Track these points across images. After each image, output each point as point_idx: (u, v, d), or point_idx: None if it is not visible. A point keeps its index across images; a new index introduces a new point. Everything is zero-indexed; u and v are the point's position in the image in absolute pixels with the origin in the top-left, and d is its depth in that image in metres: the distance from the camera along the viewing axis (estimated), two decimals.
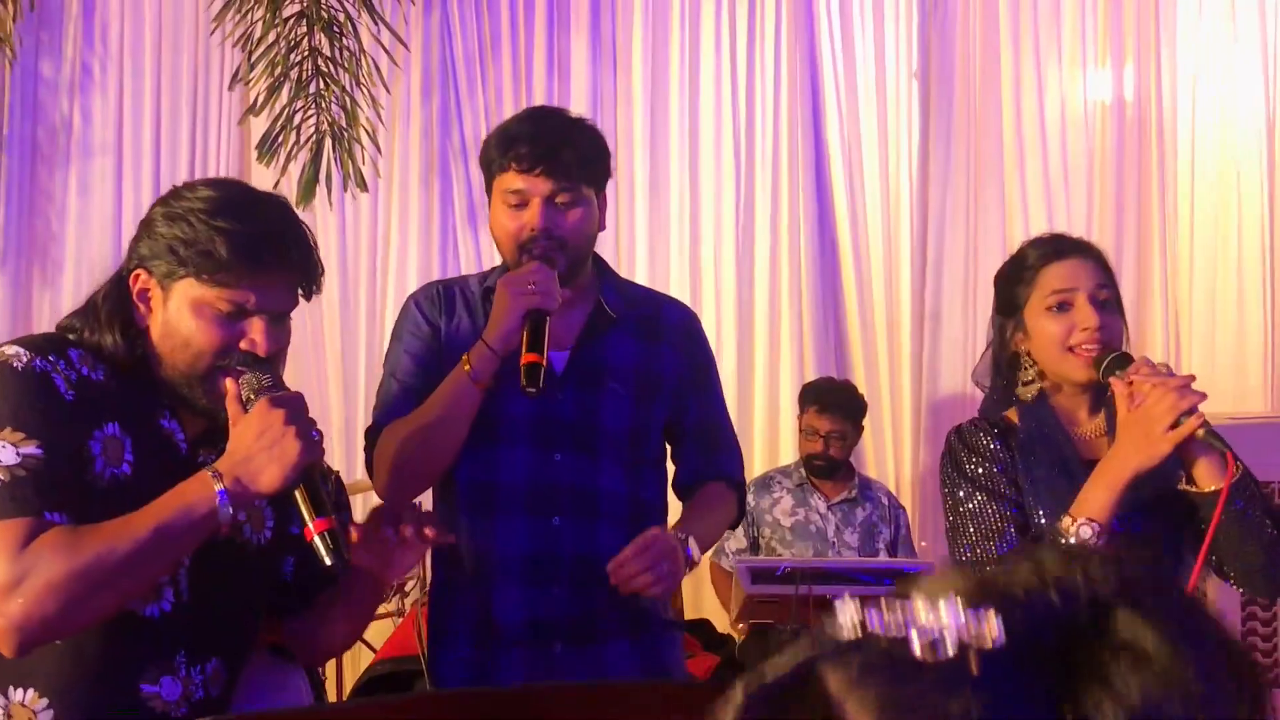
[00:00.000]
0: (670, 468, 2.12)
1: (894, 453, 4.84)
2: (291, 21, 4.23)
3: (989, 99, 4.88)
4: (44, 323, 4.40)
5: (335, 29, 4.26)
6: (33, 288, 4.71)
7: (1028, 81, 4.88)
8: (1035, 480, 1.80)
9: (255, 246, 1.45)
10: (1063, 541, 1.66)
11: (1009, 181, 4.86)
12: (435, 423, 1.87)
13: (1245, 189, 4.80)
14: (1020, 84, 4.88)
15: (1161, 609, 0.53)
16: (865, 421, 4.18)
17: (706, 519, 2.02)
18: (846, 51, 4.91)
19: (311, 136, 4.25)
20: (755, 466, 4.56)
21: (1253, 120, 4.81)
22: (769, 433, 4.81)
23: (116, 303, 1.50)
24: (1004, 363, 1.91)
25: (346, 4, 4.30)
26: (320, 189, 4.23)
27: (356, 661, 4.09)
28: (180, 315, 1.47)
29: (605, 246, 4.71)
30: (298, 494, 1.41)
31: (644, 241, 4.86)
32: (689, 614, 4.19)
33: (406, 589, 3.92)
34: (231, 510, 1.39)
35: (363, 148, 4.31)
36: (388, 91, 4.57)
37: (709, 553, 4.20)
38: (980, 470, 1.83)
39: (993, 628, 0.50)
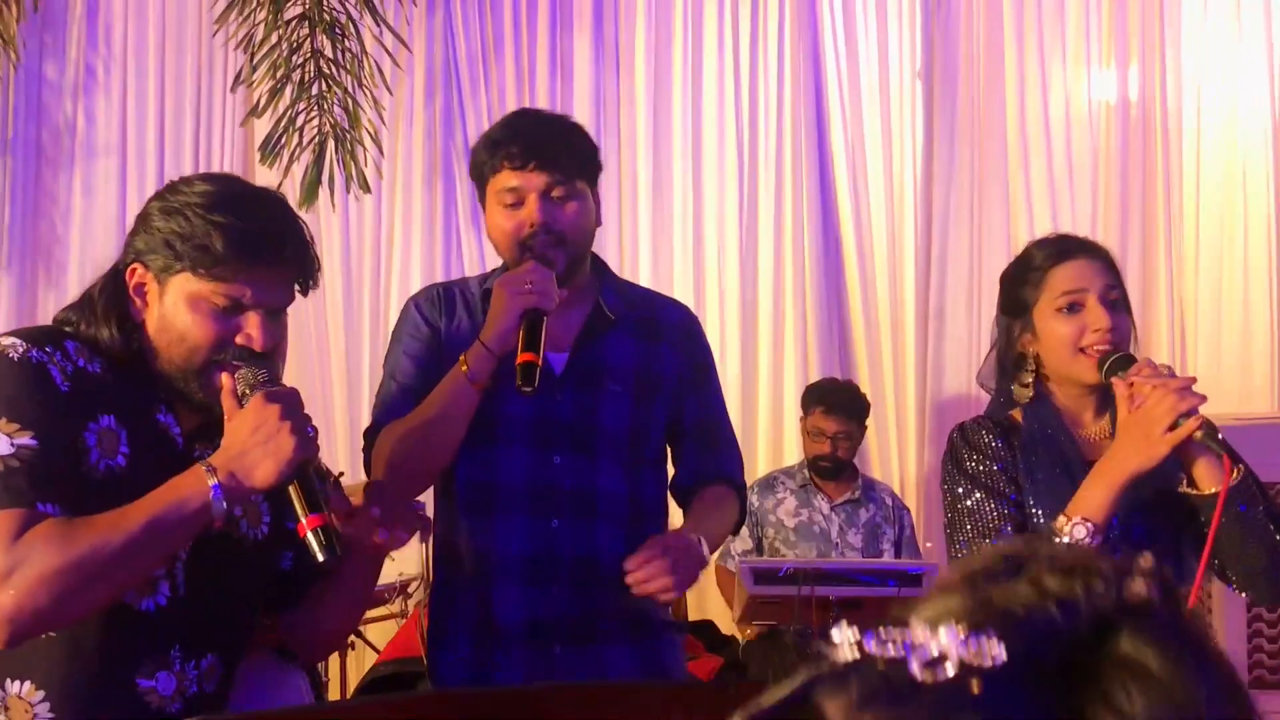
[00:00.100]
0: (670, 470, 2.11)
1: (898, 453, 4.83)
2: (294, 23, 4.24)
3: (993, 98, 4.87)
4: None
5: (337, 30, 4.27)
6: (37, 289, 4.73)
7: (1032, 80, 4.87)
8: (1036, 480, 1.80)
9: (252, 241, 1.45)
10: (1057, 540, 1.65)
11: (1013, 181, 4.85)
12: (432, 422, 1.87)
13: (1251, 188, 4.78)
14: (1024, 83, 4.87)
15: (1163, 626, 0.52)
16: (869, 421, 4.18)
17: (712, 520, 2.01)
18: (850, 51, 4.91)
19: (314, 138, 4.26)
20: (759, 466, 4.56)
21: (1258, 119, 4.80)
22: (773, 432, 4.80)
23: (113, 297, 1.50)
24: (1009, 364, 1.90)
25: (348, 5, 4.31)
26: (323, 190, 4.24)
27: (360, 662, 4.10)
28: (176, 309, 1.47)
29: (609, 246, 4.77)
30: (291, 490, 1.40)
31: (647, 241, 4.86)
32: (693, 615, 4.18)
33: (409, 590, 3.93)
34: (225, 505, 1.39)
35: (365, 149, 4.32)
36: (390, 93, 4.57)
37: (714, 554, 4.21)
38: (980, 468, 1.83)
39: (993, 647, 0.50)
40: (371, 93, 4.37)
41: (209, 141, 4.81)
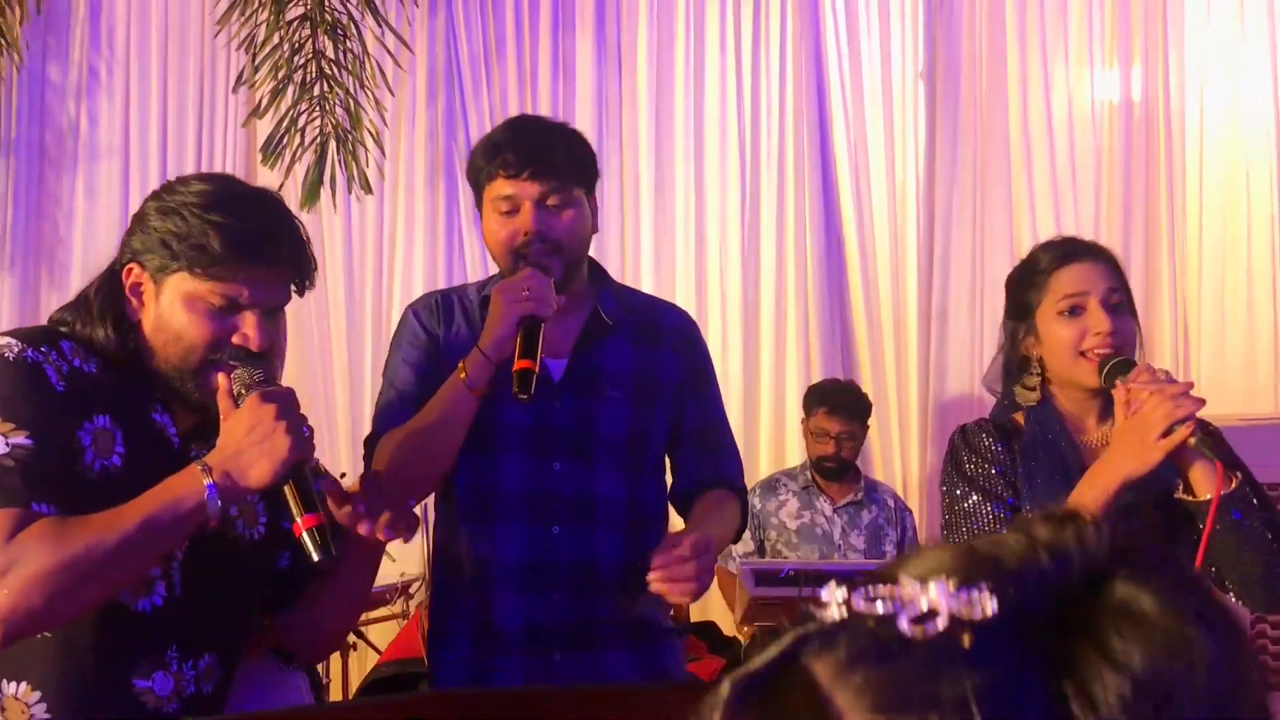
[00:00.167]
0: (669, 477, 2.10)
1: (901, 454, 4.82)
2: (295, 24, 4.24)
3: (995, 98, 4.87)
4: None
5: (339, 31, 4.28)
6: (40, 290, 4.73)
7: (1034, 81, 4.86)
8: (1035, 484, 1.80)
9: (248, 241, 1.45)
10: None
11: (1016, 181, 4.84)
12: (431, 429, 1.86)
13: (1254, 189, 4.77)
14: (1027, 83, 4.86)
15: (1157, 570, 0.51)
16: (871, 422, 4.17)
17: (715, 523, 1.98)
18: (852, 51, 4.90)
19: (316, 139, 4.26)
20: (761, 468, 4.56)
21: (1261, 119, 4.79)
22: (775, 433, 4.79)
23: (109, 296, 1.50)
24: (1014, 366, 1.91)
25: (350, 6, 4.31)
26: (325, 191, 4.24)
27: (362, 663, 4.10)
28: (173, 309, 1.47)
29: (610, 247, 4.77)
30: (287, 489, 1.40)
31: (649, 242, 4.86)
32: (695, 616, 4.17)
33: (411, 591, 3.93)
34: (220, 505, 1.39)
35: (367, 150, 4.32)
36: (392, 94, 4.58)
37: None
38: (979, 471, 1.83)
39: (984, 599, 0.48)
40: (373, 93, 4.37)
41: (211, 142, 4.81)
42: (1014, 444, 1.84)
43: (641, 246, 4.85)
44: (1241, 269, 4.76)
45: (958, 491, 1.84)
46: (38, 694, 1.44)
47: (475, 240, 4.73)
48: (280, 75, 4.23)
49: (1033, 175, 4.82)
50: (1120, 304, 1.80)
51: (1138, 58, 4.85)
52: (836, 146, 4.88)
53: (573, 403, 1.95)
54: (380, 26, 4.41)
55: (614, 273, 2.28)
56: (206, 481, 1.37)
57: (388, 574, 3.65)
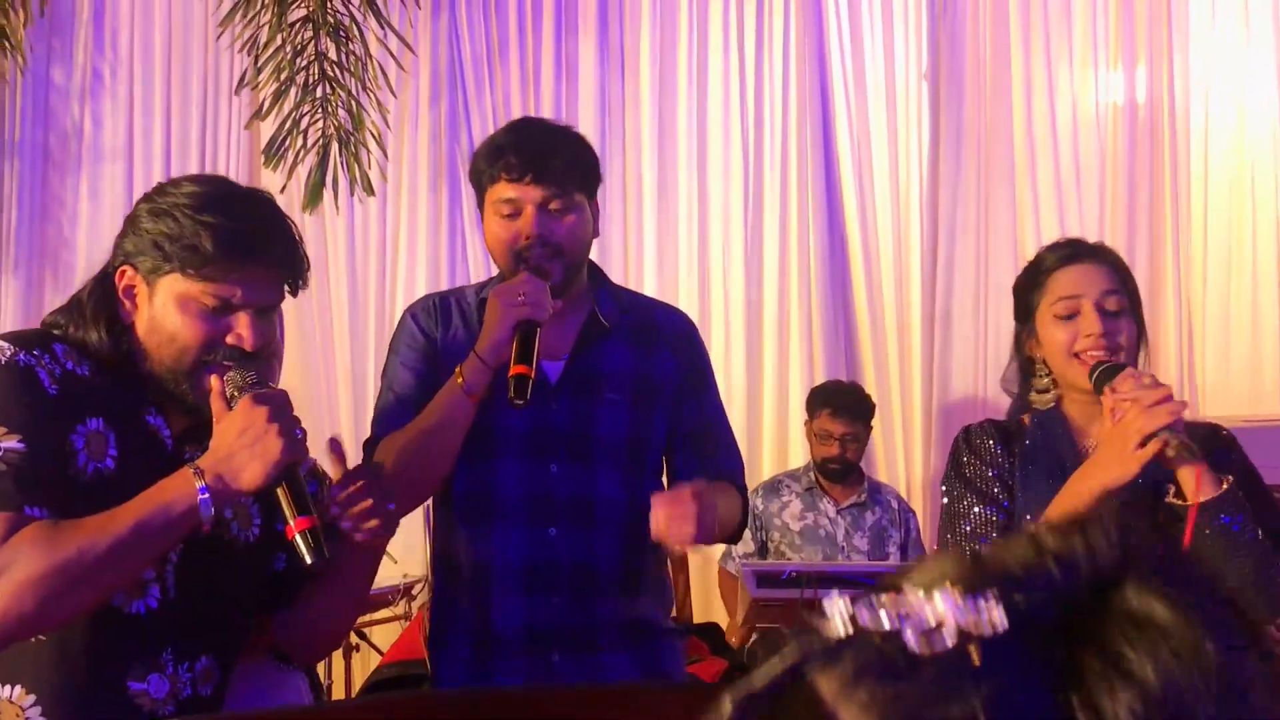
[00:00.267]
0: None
1: (904, 455, 4.81)
2: (298, 26, 4.24)
3: (999, 100, 4.85)
4: None
5: (341, 33, 4.27)
6: (44, 292, 4.74)
7: (1038, 83, 4.84)
8: (1031, 488, 1.79)
9: (241, 241, 1.45)
10: None
11: (1020, 183, 4.82)
12: (430, 433, 1.86)
13: (1259, 191, 4.76)
14: (1031, 85, 4.84)
15: (1169, 575, 0.49)
16: (875, 423, 4.16)
17: (720, 493, 1.92)
18: (855, 53, 4.89)
19: (318, 141, 4.26)
20: (764, 469, 4.55)
21: (1266, 122, 4.77)
22: (778, 435, 4.78)
23: (101, 299, 1.50)
24: (1021, 368, 1.91)
25: (352, 8, 4.31)
26: (327, 193, 4.24)
27: (364, 664, 4.10)
28: (166, 310, 1.47)
29: (613, 249, 4.76)
30: (280, 492, 1.40)
31: (652, 245, 4.85)
32: (698, 618, 4.16)
33: (413, 592, 3.93)
34: (213, 507, 1.38)
35: (369, 152, 4.32)
36: (394, 96, 4.57)
37: (716, 556, 4.20)
38: (976, 472, 1.84)
39: (992, 610, 0.47)
40: (376, 95, 4.37)
41: (215, 144, 4.81)
42: (1014, 446, 1.83)
43: (644, 248, 4.85)
44: (1246, 272, 4.74)
45: (955, 492, 1.85)
46: (32, 697, 1.44)
47: (478, 242, 4.72)
48: (283, 77, 4.23)
49: (1037, 177, 4.80)
50: (1120, 307, 1.79)
51: (1142, 60, 4.84)
52: (840, 148, 4.87)
53: (570, 405, 1.94)
54: (383, 28, 4.41)
55: (616, 274, 2.27)
56: (199, 484, 1.37)
57: (390, 576, 3.67)
